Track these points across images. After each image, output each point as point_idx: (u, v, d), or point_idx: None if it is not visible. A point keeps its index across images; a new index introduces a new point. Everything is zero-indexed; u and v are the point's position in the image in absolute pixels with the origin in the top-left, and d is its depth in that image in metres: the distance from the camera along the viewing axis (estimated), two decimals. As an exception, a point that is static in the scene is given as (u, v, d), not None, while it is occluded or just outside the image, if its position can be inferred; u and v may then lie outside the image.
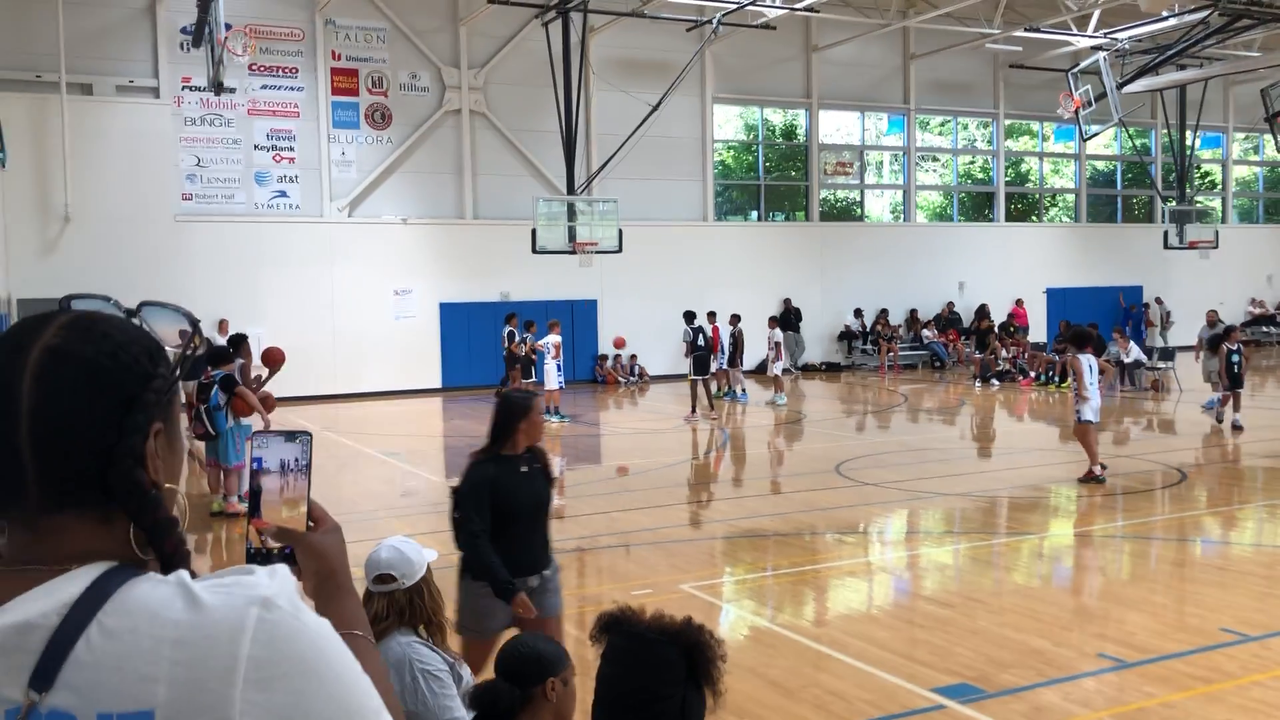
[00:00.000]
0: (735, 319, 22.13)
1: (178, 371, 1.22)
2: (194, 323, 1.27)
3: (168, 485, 1.19)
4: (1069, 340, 12.55)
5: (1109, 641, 6.93)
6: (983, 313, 29.49)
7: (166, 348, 1.23)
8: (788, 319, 27.15)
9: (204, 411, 11.16)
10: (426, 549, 3.69)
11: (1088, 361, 12.21)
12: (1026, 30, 25.97)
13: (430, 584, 3.60)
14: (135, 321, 1.24)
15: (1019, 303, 30.07)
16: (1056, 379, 23.56)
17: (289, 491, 1.46)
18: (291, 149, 23.29)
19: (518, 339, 20.24)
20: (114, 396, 1.14)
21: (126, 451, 1.13)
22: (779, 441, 17.29)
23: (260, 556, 1.43)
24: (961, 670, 6.40)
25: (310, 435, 1.49)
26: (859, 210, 30.37)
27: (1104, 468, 12.28)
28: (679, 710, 2.24)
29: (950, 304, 29.86)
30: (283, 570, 1.13)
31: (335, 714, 1.07)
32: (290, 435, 1.47)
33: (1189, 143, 30.55)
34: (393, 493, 13.37)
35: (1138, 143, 32.86)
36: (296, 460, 1.46)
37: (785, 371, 22.78)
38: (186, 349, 1.25)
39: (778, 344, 21.65)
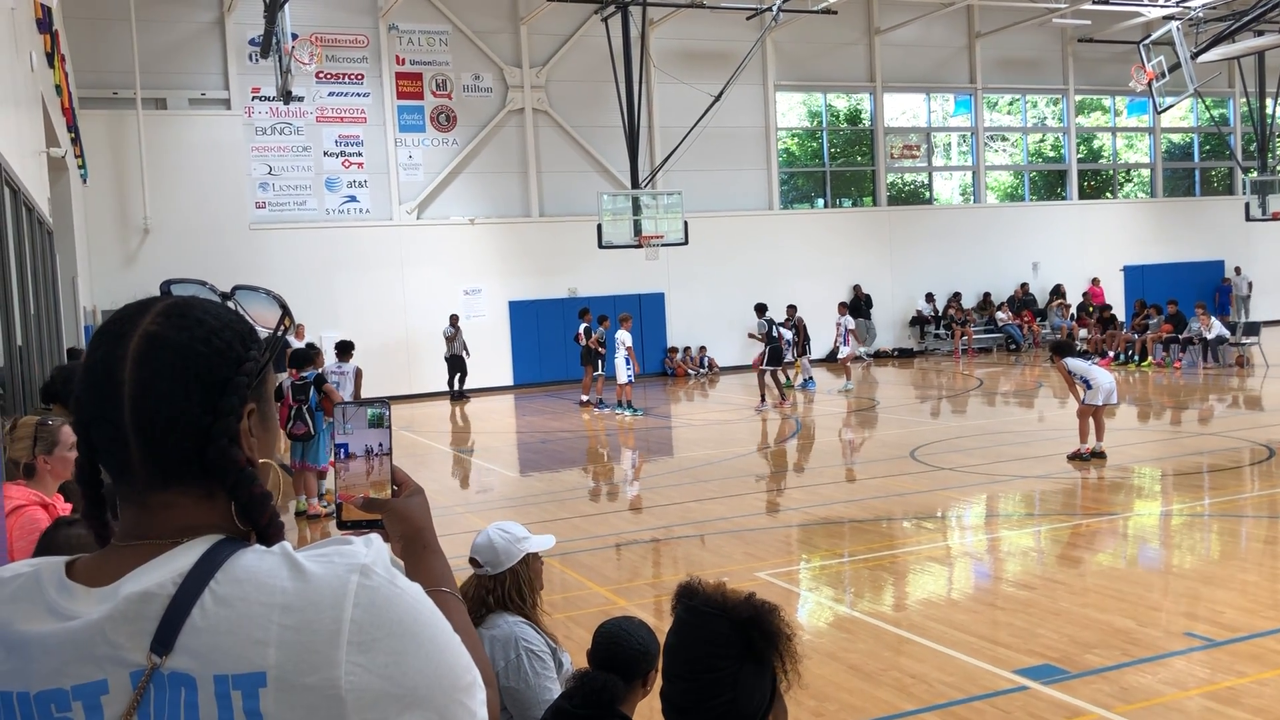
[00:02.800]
0: (791, 310, 21.86)
1: (269, 354, 1.28)
2: (284, 305, 1.33)
3: (263, 460, 1.25)
4: (1052, 351, 13.53)
5: (1198, 620, 6.80)
6: (1058, 292, 28.98)
7: (259, 329, 1.29)
8: (858, 305, 26.89)
9: (306, 411, 11.29)
10: (539, 535, 3.70)
11: (1073, 364, 12.71)
12: (1095, 3, 25.39)
13: (522, 575, 3.58)
14: (229, 305, 1.31)
15: (1095, 281, 29.47)
16: (1136, 358, 23.12)
17: (374, 475, 1.53)
18: (360, 154, 23.66)
19: (592, 334, 20.37)
20: (208, 380, 1.20)
21: (222, 431, 1.19)
22: (852, 429, 17.17)
23: (351, 524, 1.51)
24: (1044, 651, 6.33)
25: (389, 406, 1.56)
26: (927, 193, 29.97)
27: (1095, 454, 12.32)
28: (731, 684, 2.25)
29: (1024, 285, 29.33)
30: (377, 540, 1.20)
31: (430, 671, 1.13)
32: (374, 413, 1.53)
33: (1269, 111, 29.63)
34: (469, 488, 13.57)
35: (1215, 113, 31.93)
36: (380, 445, 1.53)
37: (856, 358, 22.55)
38: (277, 330, 1.31)
39: (850, 330, 21.50)
